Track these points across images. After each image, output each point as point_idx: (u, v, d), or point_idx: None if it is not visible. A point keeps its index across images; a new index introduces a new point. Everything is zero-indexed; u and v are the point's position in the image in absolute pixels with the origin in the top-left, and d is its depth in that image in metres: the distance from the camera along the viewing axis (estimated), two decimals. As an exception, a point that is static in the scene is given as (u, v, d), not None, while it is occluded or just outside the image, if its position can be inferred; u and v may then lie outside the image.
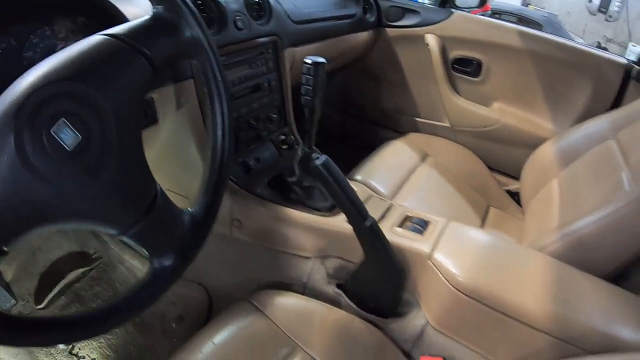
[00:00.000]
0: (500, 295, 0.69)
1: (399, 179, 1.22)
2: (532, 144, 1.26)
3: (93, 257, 1.34)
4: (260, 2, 1.00)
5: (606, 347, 0.63)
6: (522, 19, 4.85)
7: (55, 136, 0.40)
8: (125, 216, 0.47)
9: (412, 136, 1.48)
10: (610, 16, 6.63)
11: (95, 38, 0.46)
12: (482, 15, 1.58)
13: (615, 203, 0.80)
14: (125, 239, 0.49)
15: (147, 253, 0.51)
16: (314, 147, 0.78)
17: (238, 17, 0.92)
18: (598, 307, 0.69)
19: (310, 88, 0.73)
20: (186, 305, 1.17)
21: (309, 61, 0.72)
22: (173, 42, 0.51)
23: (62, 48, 0.67)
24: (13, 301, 1.19)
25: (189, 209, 0.55)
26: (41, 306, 1.21)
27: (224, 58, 0.89)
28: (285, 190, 0.90)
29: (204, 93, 0.60)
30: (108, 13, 0.70)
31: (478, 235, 0.81)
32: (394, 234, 0.80)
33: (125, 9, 0.71)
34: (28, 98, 0.39)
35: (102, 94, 0.43)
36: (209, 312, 1.13)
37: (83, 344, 1.16)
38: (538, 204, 1.09)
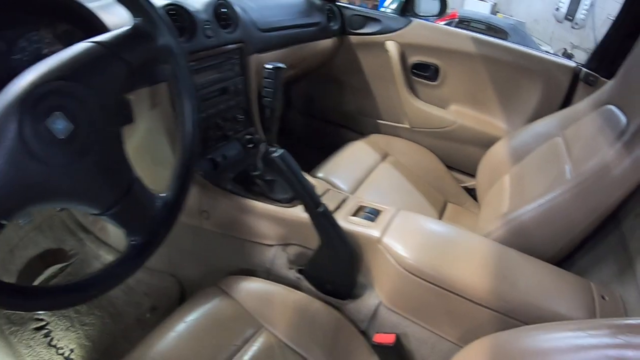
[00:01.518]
0: (444, 273, 0.75)
1: (359, 176, 1.30)
2: (487, 143, 1.35)
3: (69, 253, 1.38)
4: (228, 12, 1.09)
5: (544, 321, 0.67)
6: (489, 27, 4.97)
7: (51, 125, 0.48)
8: (106, 197, 0.56)
9: (373, 137, 1.57)
10: (576, 23, 6.88)
11: (83, 45, 0.55)
12: (449, 23, 1.69)
13: (555, 191, 0.86)
14: (104, 218, 0.57)
15: (124, 231, 0.59)
16: (275, 144, 0.86)
17: (207, 26, 1.00)
18: (536, 283, 0.74)
19: (271, 90, 0.82)
20: (159, 295, 1.22)
21: (269, 66, 0.82)
22: (148, 48, 0.61)
23: (48, 52, 0.76)
24: None
25: (161, 194, 0.64)
26: None
27: (193, 63, 0.97)
28: (249, 184, 0.99)
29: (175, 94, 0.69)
30: (90, 21, 0.78)
31: (425, 222, 0.89)
32: (348, 222, 0.87)
33: (106, 18, 0.79)
34: (29, 93, 0.48)
35: (89, 91, 0.52)
36: (180, 302, 1.18)
37: (61, 336, 1.19)
38: (490, 197, 1.18)
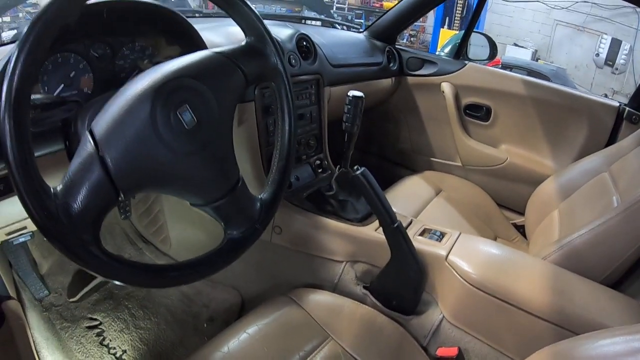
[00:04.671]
0: (506, 287, 0.83)
1: (415, 208, 1.40)
2: (536, 180, 1.45)
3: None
4: (308, 45, 1.24)
5: (598, 333, 0.76)
6: (531, 73, 5.06)
7: (179, 116, 0.56)
8: (215, 190, 0.63)
9: (427, 173, 1.68)
10: (616, 69, 6.93)
11: (206, 52, 0.64)
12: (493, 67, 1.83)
13: (605, 216, 0.94)
14: (206, 209, 0.64)
15: (223, 224, 0.66)
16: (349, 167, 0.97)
17: (291, 55, 1.15)
18: (592, 300, 0.81)
19: (350, 116, 0.95)
20: (218, 307, 1.30)
21: (350, 94, 0.94)
22: (261, 65, 0.70)
23: (147, 62, 0.87)
24: (47, 292, 1.32)
25: (259, 196, 0.72)
26: (74, 299, 1.33)
27: None
28: (322, 203, 1.10)
29: (262, 113, 0.81)
30: (190, 37, 0.89)
31: (486, 243, 0.97)
32: (415, 241, 0.96)
33: (203, 35, 0.90)
34: (164, 84, 0.56)
35: (213, 93, 0.60)
36: (239, 315, 1.26)
37: (114, 336, 1.26)
38: (539, 231, 1.26)
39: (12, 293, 1.17)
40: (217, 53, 0.65)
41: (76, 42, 0.80)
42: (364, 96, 0.96)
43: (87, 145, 0.53)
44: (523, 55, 7.00)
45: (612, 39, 6.85)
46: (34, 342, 1.09)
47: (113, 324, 1.30)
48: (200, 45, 0.89)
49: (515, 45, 7.54)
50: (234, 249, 0.67)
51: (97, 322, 1.29)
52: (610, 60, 6.95)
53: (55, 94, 0.77)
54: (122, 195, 0.53)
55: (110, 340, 1.25)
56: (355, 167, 0.90)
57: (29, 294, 1.30)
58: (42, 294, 1.32)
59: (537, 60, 7.12)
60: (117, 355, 1.22)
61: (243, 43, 0.70)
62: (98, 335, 1.26)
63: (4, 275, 1.16)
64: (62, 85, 0.78)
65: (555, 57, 7.37)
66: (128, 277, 0.56)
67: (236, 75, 0.65)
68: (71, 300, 1.33)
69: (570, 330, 0.76)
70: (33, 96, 0.63)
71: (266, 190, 0.73)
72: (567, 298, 0.81)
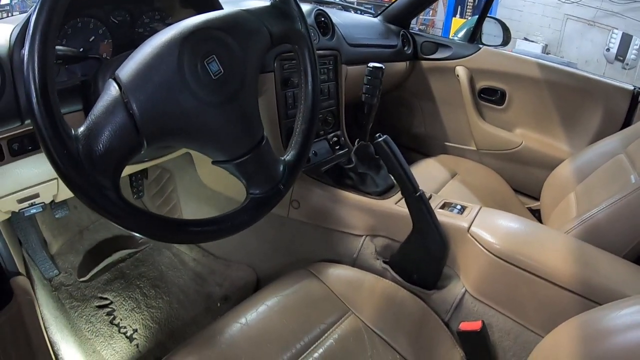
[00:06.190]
0: (531, 257, 0.82)
1: (430, 190, 1.40)
2: (551, 164, 1.46)
3: (140, 241, 1.48)
4: (326, 21, 1.25)
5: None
6: None
7: (206, 65, 0.57)
8: (240, 146, 0.63)
9: (442, 157, 1.69)
10: (627, 64, 6.95)
11: (234, 8, 0.65)
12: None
13: (624, 191, 0.95)
14: (229, 166, 0.64)
15: (245, 183, 0.66)
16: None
17: (310, 29, 1.16)
18: (616, 272, 0.81)
19: (370, 87, 0.95)
20: (233, 286, 1.31)
21: (370, 65, 0.95)
22: (286, 27, 0.70)
23: (164, 26, 0.85)
24: (56, 271, 1.33)
25: (283, 157, 0.72)
26: (85, 279, 1.34)
27: None
28: (340, 177, 1.11)
29: (281, 85, 0.84)
30: (209, 3, 0.89)
31: (509, 216, 0.97)
32: (437, 213, 0.95)
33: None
34: (192, 33, 0.57)
35: (240, 47, 0.61)
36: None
37: (125, 315, 1.26)
38: (556, 214, 1.26)
39: (20, 270, 1.17)
40: (244, 10, 0.66)
41: (97, 8, 0.81)
42: (384, 67, 0.96)
43: (112, 90, 0.53)
44: (533, 50, 7.02)
45: (623, 34, 6.86)
46: (42, 318, 1.10)
47: (124, 302, 1.31)
48: (215, 6, 0.89)
49: (526, 39, 7.56)
50: (257, 208, 0.67)
51: (107, 302, 1.30)
52: (621, 55, 6.96)
53: None
54: (145, 142, 0.53)
55: (121, 320, 1.26)
56: (377, 135, 0.90)
57: (38, 272, 1.31)
58: (52, 273, 1.33)
59: (547, 54, 7.13)
60: (128, 334, 1.22)
61: (268, 4, 0.71)
62: (108, 314, 1.27)
63: (13, 253, 1.16)
64: (82, 50, 0.79)
65: (565, 52, 7.38)
66: (145, 228, 0.56)
67: (262, 33, 0.66)
68: (81, 279, 1.34)
69: (596, 302, 0.75)
70: (57, 47, 0.63)
71: (289, 152, 0.73)
72: (592, 269, 0.81)
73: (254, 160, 0.64)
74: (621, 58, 7.01)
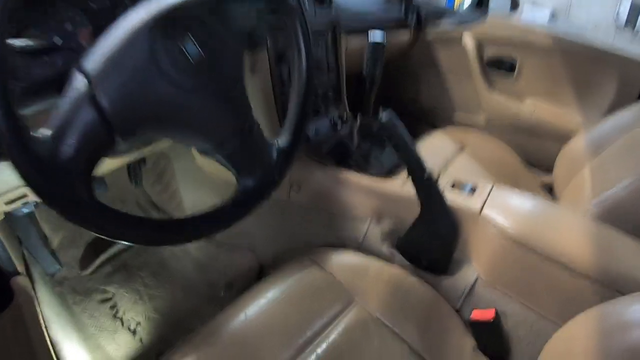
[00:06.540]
0: (547, 241, 0.77)
1: (438, 167, 1.34)
2: (563, 137, 1.40)
3: None
4: None
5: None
6: None
7: (182, 47, 0.51)
8: (224, 131, 0.57)
9: (450, 129, 1.62)
10: (637, 32, 6.80)
11: None
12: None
13: None
14: (217, 156, 0.59)
15: (235, 172, 0.61)
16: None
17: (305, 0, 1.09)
18: (636, 257, 0.76)
19: (372, 62, 0.89)
20: (236, 272, 1.28)
21: (371, 37, 0.88)
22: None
23: None
24: (58, 266, 1.31)
25: (276, 142, 0.67)
26: (87, 272, 1.32)
27: None
28: (343, 157, 1.05)
29: (275, 61, 0.79)
30: None
31: (523, 196, 0.91)
32: (447, 194, 0.90)
33: None
34: (166, 11, 0.50)
35: (221, 24, 0.55)
36: (258, 279, 1.23)
37: (128, 308, 1.25)
38: (570, 190, 1.21)
39: (20, 269, 1.16)
40: None
41: None
42: (385, 43, 0.90)
43: (77, 82, 0.47)
44: (540, 15, 6.83)
45: (632, 1, 6.66)
46: (43, 318, 1.08)
47: (126, 295, 1.30)
48: None
49: (533, 3, 7.33)
50: (246, 201, 0.62)
51: (109, 295, 1.29)
52: (631, 21, 6.77)
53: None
54: (118, 138, 0.49)
55: (124, 313, 1.25)
56: (381, 109, 0.85)
57: (40, 270, 1.29)
58: (54, 269, 1.32)
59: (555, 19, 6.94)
60: (131, 328, 1.22)
61: None
62: (111, 308, 1.26)
63: (11, 251, 1.15)
64: (57, 38, 0.73)
65: (574, 16, 7.17)
66: (114, 229, 0.51)
67: (245, 6, 0.60)
68: (84, 273, 1.33)
69: (617, 291, 0.71)
70: (18, 42, 0.57)
71: (282, 136, 0.68)
72: (614, 255, 0.76)
73: (242, 147, 0.60)
74: (631, 25, 6.82)
